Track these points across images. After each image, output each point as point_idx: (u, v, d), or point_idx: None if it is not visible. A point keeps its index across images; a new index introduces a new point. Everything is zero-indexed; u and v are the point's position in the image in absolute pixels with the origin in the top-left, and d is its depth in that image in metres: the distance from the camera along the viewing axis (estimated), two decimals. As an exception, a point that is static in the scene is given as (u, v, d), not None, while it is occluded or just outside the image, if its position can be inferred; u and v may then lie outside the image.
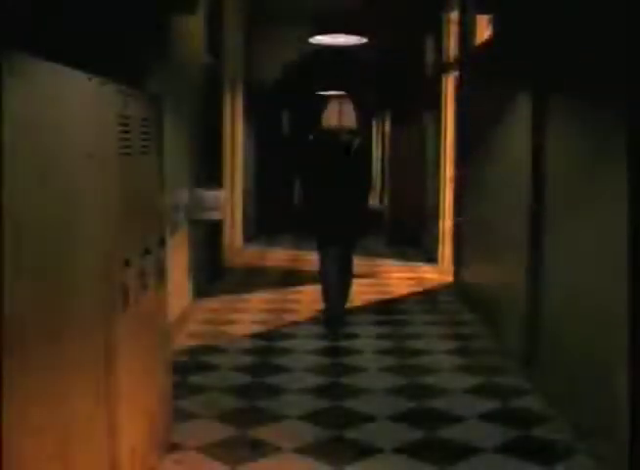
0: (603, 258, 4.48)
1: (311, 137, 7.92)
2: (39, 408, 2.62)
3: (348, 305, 8.03)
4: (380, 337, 7.24)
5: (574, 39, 5.14)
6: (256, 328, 7.50)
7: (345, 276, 7.75)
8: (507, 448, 4.62)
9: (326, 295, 7.73)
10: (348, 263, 7.75)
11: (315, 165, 7.61)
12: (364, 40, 12.80)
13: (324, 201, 7.59)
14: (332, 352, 6.76)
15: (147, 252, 3.96)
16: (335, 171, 7.54)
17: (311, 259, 11.42)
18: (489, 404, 5.39)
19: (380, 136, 22.99)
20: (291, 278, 10.38)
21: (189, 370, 6.08)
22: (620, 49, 4.21)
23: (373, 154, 25.97)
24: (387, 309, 8.43)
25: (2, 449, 2.32)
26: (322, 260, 7.72)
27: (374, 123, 26.39)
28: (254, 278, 10.40)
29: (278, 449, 4.58)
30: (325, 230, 7.68)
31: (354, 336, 7.27)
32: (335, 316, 7.64)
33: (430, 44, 12.36)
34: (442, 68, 11.07)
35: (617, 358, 4.17)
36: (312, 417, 5.13)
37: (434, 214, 11.48)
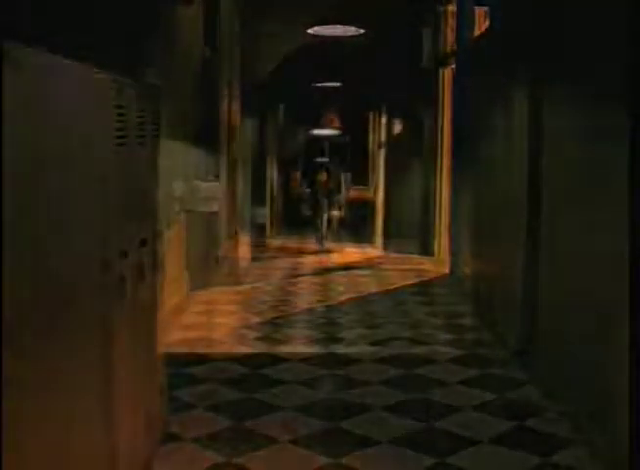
0: (602, 251, 4.48)
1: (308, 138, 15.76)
2: (37, 400, 2.62)
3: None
4: (376, 327, 7.26)
5: (572, 27, 5.13)
6: (253, 319, 7.51)
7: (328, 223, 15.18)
8: (503, 440, 4.63)
9: (318, 232, 14.82)
10: (329, 216, 15.09)
11: (311, 157, 12.65)
12: (361, 32, 12.77)
13: (317, 177, 15.20)
14: (328, 342, 6.77)
15: (143, 243, 3.95)
16: (323, 160, 14.89)
17: (310, 249, 11.60)
18: (485, 396, 5.40)
19: (376, 128, 22.96)
20: (288, 268, 10.38)
21: (185, 361, 6.07)
22: (620, 37, 4.21)
23: (369, 146, 25.97)
24: (383, 301, 8.44)
25: (1, 442, 2.32)
26: (314, 212, 15.16)
27: (370, 116, 26.35)
28: (251, 269, 10.40)
29: (274, 441, 4.59)
30: (316, 194, 15.31)
31: (350, 327, 7.29)
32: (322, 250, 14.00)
33: (427, 36, 12.33)
34: (440, 60, 11.05)
35: (615, 350, 4.18)
36: (309, 408, 5.13)
37: (432, 206, 11.48)
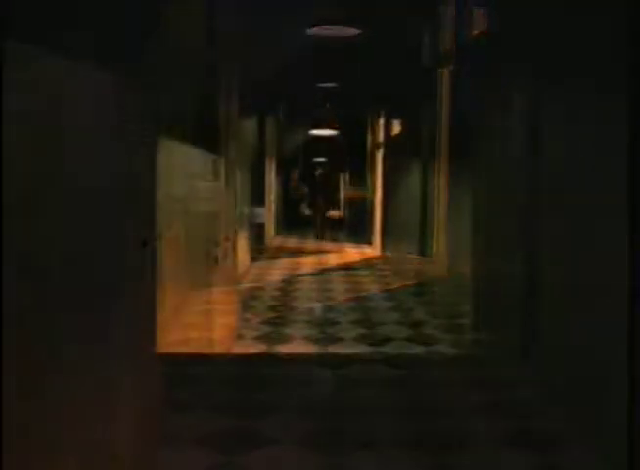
0: (601, 248, 4.48)
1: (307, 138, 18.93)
2: (36, 400, 2.61)
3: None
4: (375, 327, 7.25)
5: (572, 27, 5.14)
6: (253, 319, 7.51)
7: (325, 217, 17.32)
8: (503, 440, 4.63)
9: (315, 224, 16.89)
10: (326, 210, 16.88)
11: (310, 157, 14.38)
12: (359, 32, 12.77)
13: (315, 177, 16.62)
14: (327, 342, 6.77)
15: (143, 243, 3.94)
16: (321, 160, 16.29)
17: (309, 249, 11.55)
18: (485, 396, 5.40)
19: (375, 129, 22.95)
20: (287, 268, 10.38)
21: (185, 361, 6.07)
22: (620, 37, 4.21)
23: (367, 146, 26.01)
24: (382, 301, 8.44)
25: (1, 441, 2.32)
26: (313, 206, 15.87)
27: (369, 117, 26.35)
28: (251, 269, 10.40)
29: (274, 441, 4.58)
30: (315, 193, 17.58)
31: (349, 327, 7.28)
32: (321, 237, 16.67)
33: (426, 36, 12.34)
34: (439, 60, 11.06)
35: (615, 349, 4.18)
36: (308, 408, 5.13)
37: (430, 206, 11.48)
